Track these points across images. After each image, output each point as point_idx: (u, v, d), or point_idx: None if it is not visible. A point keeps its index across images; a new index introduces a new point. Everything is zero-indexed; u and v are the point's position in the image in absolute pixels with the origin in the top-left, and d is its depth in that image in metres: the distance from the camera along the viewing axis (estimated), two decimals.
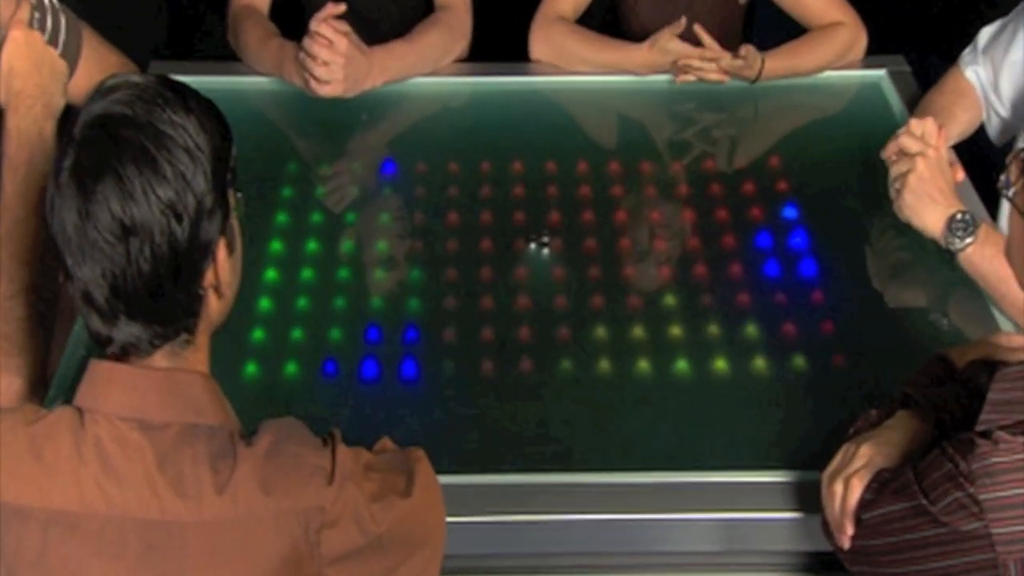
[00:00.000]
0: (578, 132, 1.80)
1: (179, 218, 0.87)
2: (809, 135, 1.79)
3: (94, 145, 0.87)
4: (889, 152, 1.44)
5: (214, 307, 0.94)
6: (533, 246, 1.56)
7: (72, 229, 0.86)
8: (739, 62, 1.75)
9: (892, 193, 1.43)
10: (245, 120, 1.52)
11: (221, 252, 0.92)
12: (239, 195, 0.96)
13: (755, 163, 1.73)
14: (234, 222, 0.95)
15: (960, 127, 1.63)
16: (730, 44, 1.78)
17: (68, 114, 1.28)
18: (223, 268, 0.92)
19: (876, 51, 1.87)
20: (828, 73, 1.85)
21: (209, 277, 0.92)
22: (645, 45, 1.80)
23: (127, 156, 0.86)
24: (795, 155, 1.73)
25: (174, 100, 0.89)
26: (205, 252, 0.90)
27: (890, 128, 1.50)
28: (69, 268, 0.88)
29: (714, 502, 1.21)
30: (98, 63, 1.40)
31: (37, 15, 1.30)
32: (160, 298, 0.88)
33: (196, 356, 0.94)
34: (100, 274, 0.87)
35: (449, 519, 1.03)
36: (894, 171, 1.42)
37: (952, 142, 1.60)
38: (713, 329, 1.43)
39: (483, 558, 1.23)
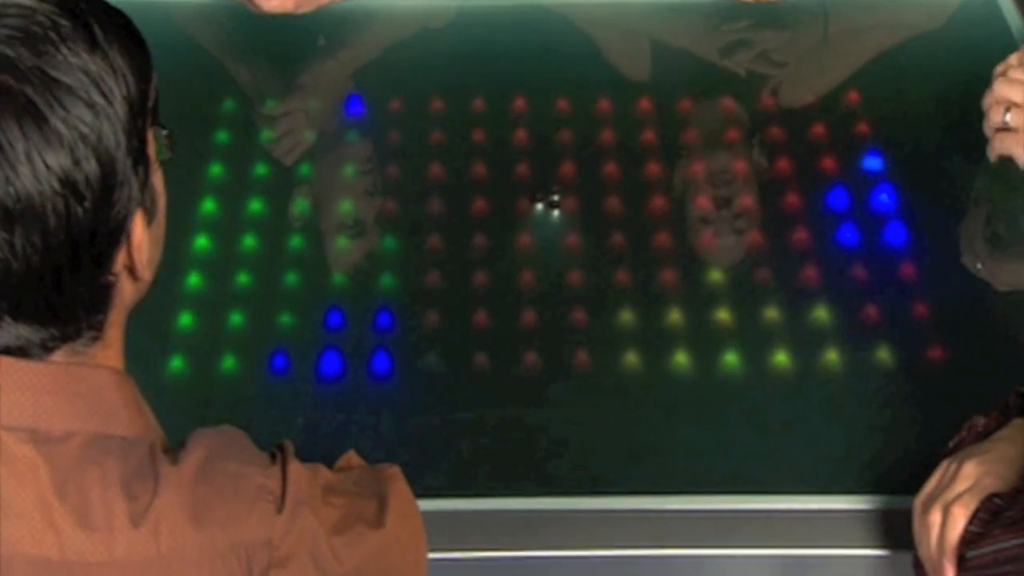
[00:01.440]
0: (598, 60, 1.79)
1: (79, 195, 0.85)
2: (898, 64, 1.77)
3: None
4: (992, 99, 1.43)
5: (128, 291, 0.93)
6: (540, 207, 1.55)
7: None
8: None
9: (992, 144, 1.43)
10: (168, 45, 1.50)
11: (138, 226, 0.90)
12: (163, 132, 0.94)
13: (827, 100, 1.71)
14: (156, 181, 0.93)
15: None
16: None
17: None
18: (140, 247, 0.91)
19: None
20: None
21: (122, 258, 0.90)
22: None
23: (7, 113, 0.82)
24: (880, 90, 1.71)
25: (73, 32, 0.86)
26: (116, 233, 0.89)
27: (1006, 54, 1.49)
28: None
29: (775, 534, 1.21)
30: None
31: None
32: (56, 295, 0.87)
33: (105, 352, 0.92)
34: None
35: (432, 555, 1.02)
36: (993, 119, 1.42)
37: None
38: (772, 313, 1.43)
39: None
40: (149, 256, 0.93)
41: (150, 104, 0.92)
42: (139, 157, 0.89)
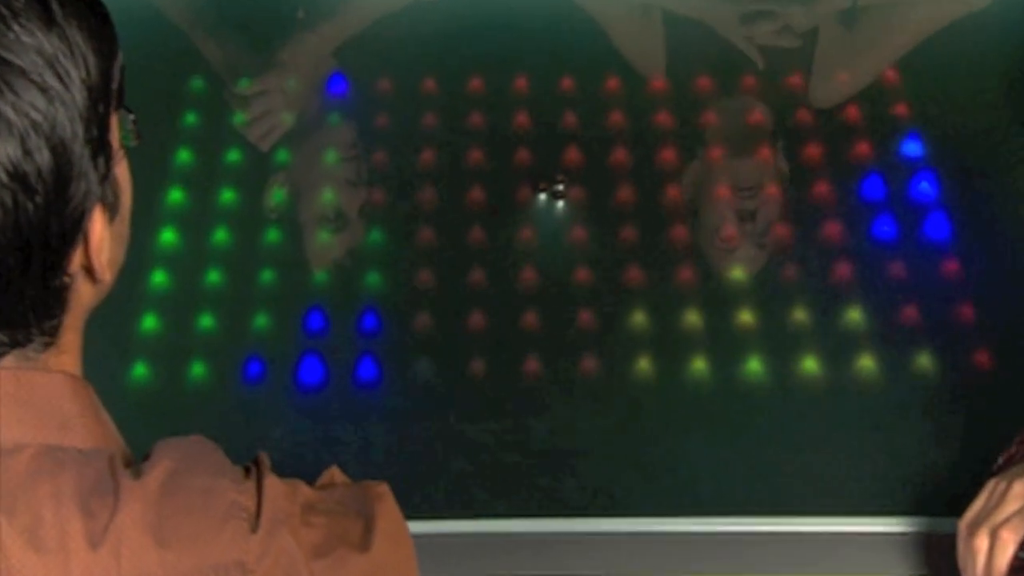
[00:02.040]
0: (606, 35, 1.78)
1: (30, 189, 0.84)
2: (941, 39, 1.76)
3: None
4: None
5: (86, 293, 0.92)
6: (543, 198, 1.55)
7: None
8: None
9: None
10: (131, 17, 1.50)
11: (97, 223, 0.89)
12: (130, 117, 0.93)
13: (860, 78, 1.71)
14: (120, 172, 0.93)
15: None
16: None
17: None
18: (99, 246, 0.90)
19: None
20: None
21: (78, 258, 0.90)
22: None
23: None
24: (921, 66, 1.70)
25: (27, 7, 0.85)
26: (72, 231, 0.88)
27: None
28: None
29: (805, 560, 1.21)
30: None
31: None
32: (3, 298, 0.86)
33: (60, 359, 0.92)
34: None
35: None
36: None
37: None
38: (800, 315, 1.43)
39: None
40: (111, 256, 0.92)
41: (114, 86, 0.91)
42: (99, 147, 0.88)
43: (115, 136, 0.91)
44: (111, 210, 0.91)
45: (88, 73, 0.86)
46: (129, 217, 0.96)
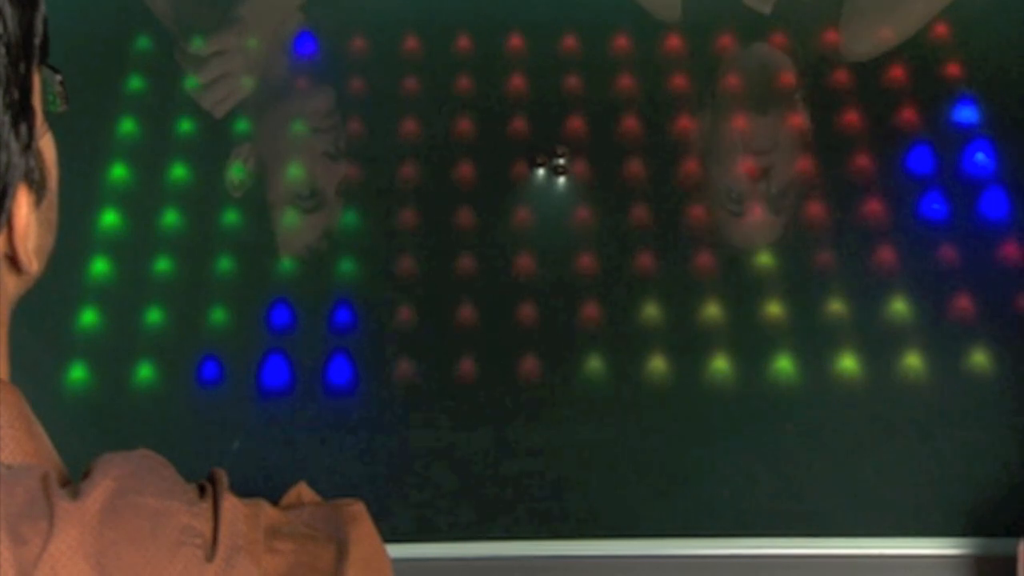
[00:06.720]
0: None
1: None
2: None
3: None
4: None
5: (10, 285, 0.92)
6: (541, 174, 1.56)
7: None
8: None
9: None
10: None
11: (22, 205, 0.89)
12: (56, 77, 0.93)
13: (903, 26, 1.70)
14: (44, 146, 0.92)
15: None
16: None
17: None
18: (26, 231, 0.90)
19: None
20: None
21: (1, 245, 0.90)
22: None
23: None
24: (975, 20, 1.70)
25: None
26: None
27: None
28: None
29: None
30: None
31: None
32: None
33: None
34: None
35: None
36: None
37: None
38: (836, 307, 1.43)
39: None
40: (38, 243, 0.92)
41: (36, 41, 0.91)
42: (21, 112, 0.88)
43: (39, 101, 0.91)
44: (38, 189, 0.91)
45: (5, 25, 0.86)
46: (57, 199, 0.95)
